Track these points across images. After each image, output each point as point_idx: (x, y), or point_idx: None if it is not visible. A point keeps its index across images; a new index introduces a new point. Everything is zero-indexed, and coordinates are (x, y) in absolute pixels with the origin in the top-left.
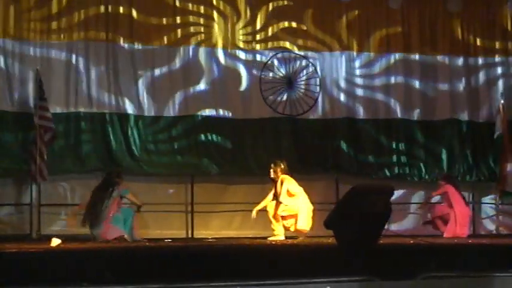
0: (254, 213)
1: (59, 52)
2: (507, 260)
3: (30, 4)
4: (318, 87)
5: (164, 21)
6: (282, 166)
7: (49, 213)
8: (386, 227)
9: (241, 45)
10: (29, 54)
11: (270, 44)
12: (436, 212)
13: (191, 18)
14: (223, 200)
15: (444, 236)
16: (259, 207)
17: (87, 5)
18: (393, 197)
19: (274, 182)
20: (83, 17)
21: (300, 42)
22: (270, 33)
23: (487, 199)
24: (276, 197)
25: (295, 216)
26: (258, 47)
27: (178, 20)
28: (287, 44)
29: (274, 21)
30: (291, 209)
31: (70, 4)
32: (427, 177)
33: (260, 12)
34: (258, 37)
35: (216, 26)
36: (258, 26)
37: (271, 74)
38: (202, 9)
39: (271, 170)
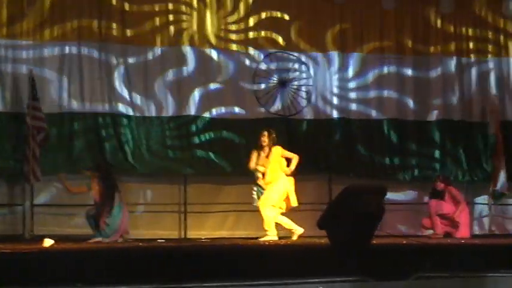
0: (254, 165)
1: (52, 52)
2: (499, 261)
3: (23, 4)
4: (310, 88)
5: (157, 8)
6: (274, 135)
7: (42, 214)
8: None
9: (233, 45)
10: (21, 54)
11: (262, 44)
12: (440, 209)
13: (183, 14)
14: (216, 201)
15: (458, 236)
16: (253, 163)
17: (80, 3)
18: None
19: (262, 149)
20: (75, 16)
21: (294, 42)
22: (263, 34)
23: (480, 199)
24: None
25: (286, 198)
26: (251, 46)
27: (170, 17)
28: (279, 41)
29: (267, 22)
30: (283, 190)
31: (63, 4)
32: (419, 177)
33: (253, 16)
34: (251, 36)
35: (208, 24)
36: (251, 26)
37: (264, 75)
38: (195, 2)
39: (266, 138)
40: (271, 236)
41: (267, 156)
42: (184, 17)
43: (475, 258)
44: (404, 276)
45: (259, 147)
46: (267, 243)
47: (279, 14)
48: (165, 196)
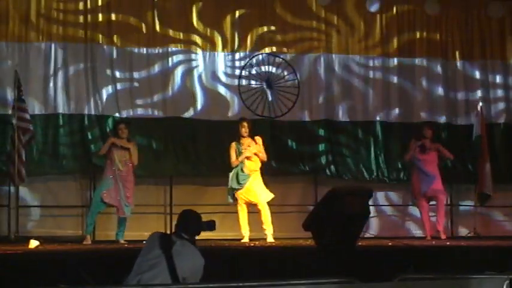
0: (246, 154)
1: (38, 53)
2: (484, 262)
3: (7, 4)
4: (297, 89)
5: (143, 26)
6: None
7: (27, 215)
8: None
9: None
10: (6, 55)
11: (249, 47)
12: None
13: (171, 24)
14: (201, 202)
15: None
16: (233, 157)
17: (66, 5)
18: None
19: (242, 140)
20: (61, 17)
21: (279, 43)
22: (248, 37)
23: (465, 201)
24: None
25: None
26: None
27: (157, 23)
28: (266, 46)
29: (253, 25)
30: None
31: (48, 4)
32: (405, 179)
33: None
34: (238, 40)
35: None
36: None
37: (250, 76)
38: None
39: (246, 128)
40: (270, 233)
41: (249, 145)
42: (170, 31)
43: (460, 260)
44: (389, 278)
45: (238, 139)
46: (253, 245)
47: (263, 27)
48: (150, 197)
